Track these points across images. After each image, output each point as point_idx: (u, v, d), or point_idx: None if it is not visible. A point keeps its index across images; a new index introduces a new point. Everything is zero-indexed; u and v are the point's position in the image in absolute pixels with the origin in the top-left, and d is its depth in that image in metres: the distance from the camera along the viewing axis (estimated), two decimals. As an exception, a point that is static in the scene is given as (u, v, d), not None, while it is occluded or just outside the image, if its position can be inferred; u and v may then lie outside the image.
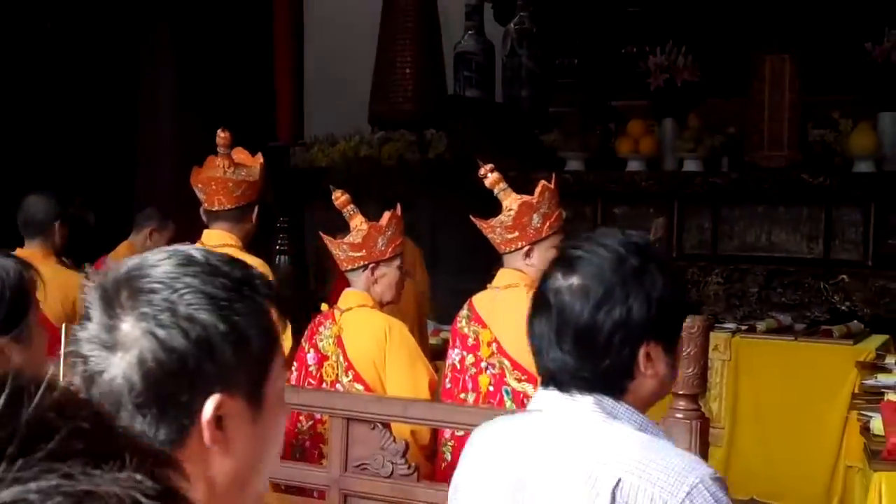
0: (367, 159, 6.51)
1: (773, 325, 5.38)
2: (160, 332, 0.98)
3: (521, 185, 3.27)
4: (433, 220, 6.18)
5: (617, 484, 1.37)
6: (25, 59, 7.20)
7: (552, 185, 3.12)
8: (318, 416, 3.16)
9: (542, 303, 1.49)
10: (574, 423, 1.45)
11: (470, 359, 3.12)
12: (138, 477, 0.51)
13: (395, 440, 2.78)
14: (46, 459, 0.49)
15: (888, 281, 5.76)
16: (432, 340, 4.66)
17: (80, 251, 4.78)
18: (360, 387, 3.09)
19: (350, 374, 3.11)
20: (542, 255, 3.10)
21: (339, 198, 3.31)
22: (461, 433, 3.07)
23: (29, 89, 7.16)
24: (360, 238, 3.24)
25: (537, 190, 3.09)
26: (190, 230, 4.23)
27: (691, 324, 2.59)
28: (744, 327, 5.35)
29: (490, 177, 3.12)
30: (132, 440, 0.55)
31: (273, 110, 7.71)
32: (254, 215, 3.70)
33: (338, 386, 3.15)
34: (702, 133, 6.52)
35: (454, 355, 3.18)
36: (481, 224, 3.16)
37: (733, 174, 6.30)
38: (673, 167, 6.60)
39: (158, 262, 1.02)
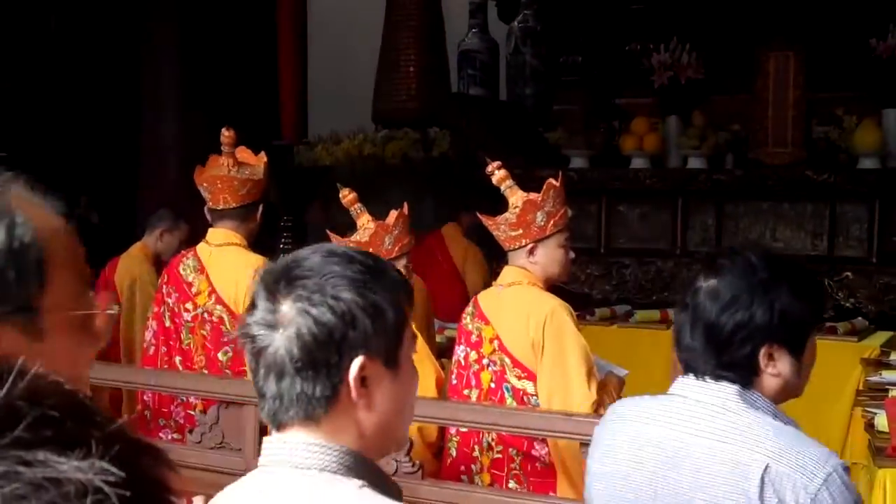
0: (371, 158, 6.52)
1: (778, 322, 5.37)
2: (312, 310, 1.22)
3: (526, 183, 3.27)
4: (436, 219, 6.18)
5: (765, 469, 1.55)
6: (29, 58, 7.22)
7: (558, 184, 3.12)
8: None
9: (685, 298, 1.72)
10: (716, 409, 1.64)
11: (473, 355, 3.12)
12: (104, 464, 0.51)
13: (399, 438, 2.78)
14: (10, 447, 0.50)
15: (892, 278, 5.75)
16: (437, 338, 4.67)
17: (86, 251, 4.79)
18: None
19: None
20: (546, 253, 3.09)
21: (347, 196, 3.31)
22: (465, 429, 3.08)
23: (32, 88, 7.17)
24: (367, 237, 3.24)
25: (544, 188, 3.09)
26: (194, 229, 4.24)
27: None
28: (748, 324, 5.33)
29: (497, 174, 3.12)
30: (104, 428, 0.55)
31: (277, 109, 7.72)
32: (258, 214, 3.70)
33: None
34: (706, 130, 6.52)
35: (459, 352, 3.19)
36: (487, 221, 3.16)
37: (737, 171, 6.30)
38: (677, 164, 6.60)
39: (307, 256, 1.28)
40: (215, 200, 3.62)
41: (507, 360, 3.04)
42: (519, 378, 3.02)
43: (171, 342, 3.61)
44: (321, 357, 1.22)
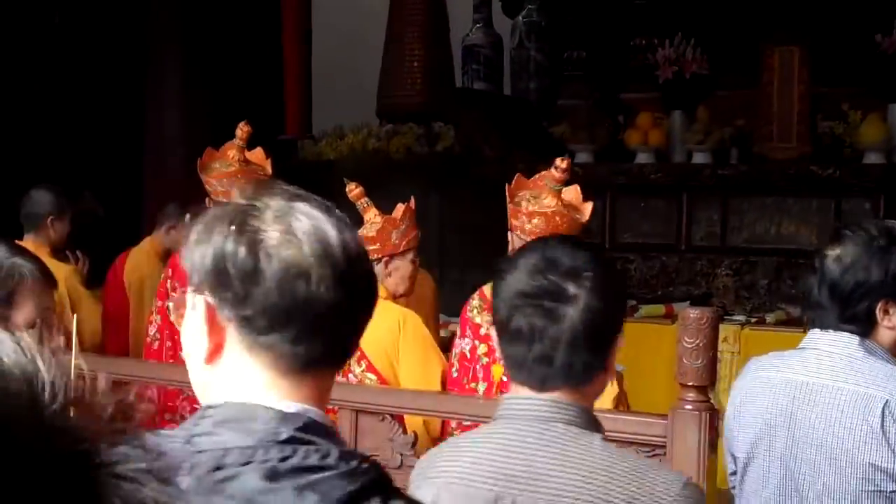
0: (376, 152, 6.50)
1: (783, 316, 5.37)
2: (603, 293, 1.45)
3: (530, 177, 3.25)
4: (440, 213, 6.18)
5: (885, 404, 1.88)
6: (33, 54, 7.22)
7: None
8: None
9: (815, 264, 2.03)
10: (842, 357, 1.96)
11: (482, 348, 3.11)
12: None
13: (403, 431, 2.78)
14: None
15: (898, 273, 5.74)
16: (441, 333, 4.66)
17: (92, 244, 4.80)
18: (372, 376, 3.09)
19: (363, 363, 3.12)
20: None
21: (353, 190, 3.31)
22: (468, 423, 3.08)
23: (37, 83, 7.18)
24: (374, 231, 3.24)
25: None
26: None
27: (700, 315, 2.59)
28: (753, 319, 5.34)
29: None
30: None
31: (281, 103, 7.72)
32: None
33: (350, 375, 3.15)
34: (711, 125, 6.51)
35: (463, 344, 3.17)
36: None
37: (742, 166, 6.29)
38: (682, 159, 6.60)
39: (566, 245, 1.50)
40: (233, 195, 3.59)
41: (520, 354, 3.03)
42: (531, 371, 3.01)
43: (175, 336, 3.59)
44: (604, 335, 1.48)
